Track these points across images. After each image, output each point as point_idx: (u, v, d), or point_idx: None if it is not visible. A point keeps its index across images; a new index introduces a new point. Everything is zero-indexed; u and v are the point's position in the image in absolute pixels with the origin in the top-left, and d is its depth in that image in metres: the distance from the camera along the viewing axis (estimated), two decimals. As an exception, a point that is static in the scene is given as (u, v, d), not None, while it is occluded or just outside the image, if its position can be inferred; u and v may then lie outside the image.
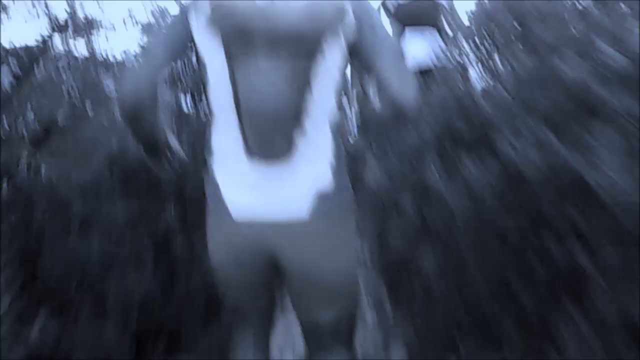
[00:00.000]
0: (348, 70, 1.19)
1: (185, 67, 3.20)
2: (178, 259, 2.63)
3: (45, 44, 3.74)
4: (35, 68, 3.94)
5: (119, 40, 3.94)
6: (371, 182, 1.89)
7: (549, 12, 1.94)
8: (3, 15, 3.82)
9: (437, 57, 3.24)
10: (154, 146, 1.34)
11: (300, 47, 1.04)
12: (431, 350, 1.79)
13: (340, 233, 1.17)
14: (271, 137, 1.09)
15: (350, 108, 2.89)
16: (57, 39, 3.73)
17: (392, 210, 1.81)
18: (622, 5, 1.62)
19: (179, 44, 1.17)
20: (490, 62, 2.14)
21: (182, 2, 1.26)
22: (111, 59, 4.09)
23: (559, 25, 1.82)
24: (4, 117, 3.22)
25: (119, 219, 2.50)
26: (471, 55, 2.32)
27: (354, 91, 2.88)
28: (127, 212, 2.59)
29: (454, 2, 3.40)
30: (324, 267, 1.17)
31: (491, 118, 1.56)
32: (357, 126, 2.78)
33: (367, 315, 2.21)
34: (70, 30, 3.60)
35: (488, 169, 1.48)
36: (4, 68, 3.97)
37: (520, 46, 2.02)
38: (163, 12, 3.67)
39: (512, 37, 2.10)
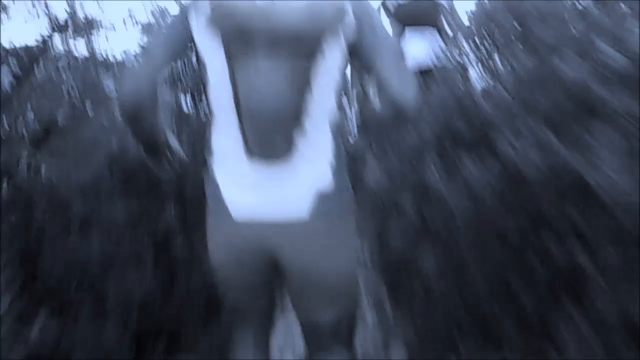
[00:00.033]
0: (348, 70, 1.19)
1: (185, 67, 3.19)
2: (178, 259, 2.63)
3: (45, 44, 3.73)
4: (35, 68, 3.93)
5: (119, 40, 3.95)
6: (371, 182, 1.89)
7: (548, 12, 1.94)
8: (3, 15, 3.81)
9: (437, 57, 3.24)
10: (154, 146, 1.34)
11: (300, 47, 1.04)
12: (431, 350, 1.79)
13: (340, 233, 1.17)
14: (271, 137, 1.09)
15: (350, 108, 2.89)
16: (57, 39, 3.73)
17: (391, 210, 1.81)
18: (622, 5, 1.62)
19: (179, 44, 1.17)
20: (490, 62, 2.15)
21: (182, 2, 1.26)
22: (111, 59, 4.09)
23: (559, 25, 1.82)
24: (3, 117, 3.21)
25: (118, 218, 2.50)
26: (471, 55, 2.32)
27: (354, 91, 2.87)
28: (127, 212, 2.59)
29: (454, 2, 3.40)
30: (324, 267, 1.17)
31: (491, 118, 1.56)
32: (357, 126, 2.78)
33: (367, 315, 2.21)
34: (70, 30, 3.60)
35: (488, 169, 1.48)
36: (4, 68, 3.97)
37: (520, 46, 2.02)
38: (163, 12, 3.67)
39: (512, 37, 2.10)
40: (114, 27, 3.74)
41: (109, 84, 4.26)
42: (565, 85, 1.53)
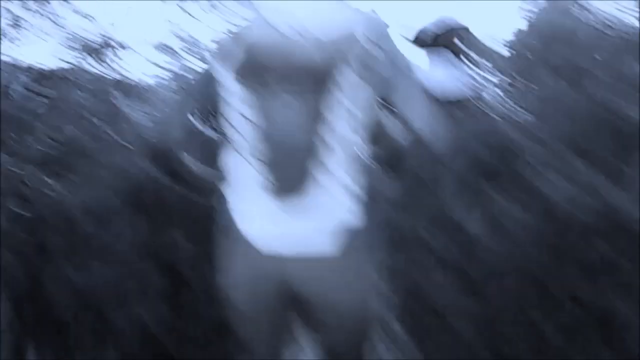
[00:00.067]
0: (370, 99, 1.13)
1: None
2: (187, 289, 2.53)
3: (62, 63, 3.71)
4: (51, 86, 3.92)
5: (137, 61, 3.92)
6: (392, 215, 1.78)
7: (575, 32, 1.85)
8: (20, 32, 3.81)
9: (464, 84, 3.13)
10: (175, 172, 1.35)
11: (314, 80, 1.05)
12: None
13: (363, 268, 1.15)
14: (289, 170, 1.09)
15: (372, 139, 2.78)
16: (75, 58, 3.71)
17: (414, 245, 1.69)
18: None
19: (210, 89, 1.19)
20: (518, 88, 2.04)
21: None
22: (129, 79, 4.06)
23: (588, 47, 1.72)
24: (14, 134, 3.18)
25: (126, 243, 2.41)
26: (498, 81, 2.22)
27: (377, 121, 2.75)
28: (135, 236, 2.50)
29: (478, 25, 3.29)
30: (346, 303, 1.15)
31: (521, 149, 1.44)
32: (379, 157, 2.66)
33: (386, 353, 2.07)
34: (88, 49, 3.57)
35: (519, 204, 1.36)
36: (20, 84, 3.97)
37: (549, 70, 1.93)
38: (184, 34, 3.66)
39: (542, 62, 2.00)
40: (131, 47, 3.70)
41: (125, 104, 4.24)
42: (597, 111, 1.42)
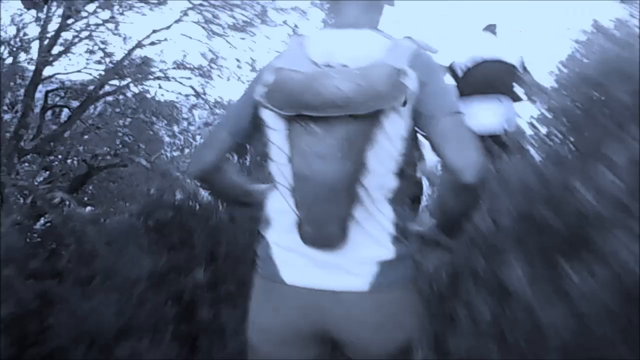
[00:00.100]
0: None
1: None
2: (201, 327, 2.36)
3: (98, 83, 3.72)
4: (86, 108, 3.93)
5: (171, 84, 3.93)
6: (432, 270, 1.58)
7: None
8: (64, 54, 3.85)
9: (506, 120, 2.93)
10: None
11: (353, 116, 1.03)
12: None
13: (399, 305, 1.12)
14: (324, 206, 1.06)
15: (408, 174, 2.59)
16: (110, 80, 3.71)
17: (459, 306, 1.47)
18: None
19: (246, 121, 1.19)
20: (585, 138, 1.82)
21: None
22: (163, 102, 4.05)
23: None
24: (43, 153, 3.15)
25: (142, 274, 2.28)
26: (555, 129, 2.01)
27: (414, 156, 2.55)
28: (153, 267, 2.37)
29: (531, 64, 3.09)
30: (381, 341, 1.11)
31: (594, 210, 1.23)
32: (414, 194, 2.47)
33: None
34: (123, 71, 3.58)
35: (591, 276, 1.14)
36: (55, 102, 4.01)
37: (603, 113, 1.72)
38: (215, 56, 3.65)
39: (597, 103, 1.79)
40: (166, 70, 3.69)
41: (158, 126, 4.24)
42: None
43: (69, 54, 3.73)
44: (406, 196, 1.13)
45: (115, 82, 3.75)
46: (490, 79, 3.06)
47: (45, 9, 3.41)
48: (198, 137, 4.29)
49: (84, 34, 3.61)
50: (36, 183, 3.20)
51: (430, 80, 1.07)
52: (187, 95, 3.90)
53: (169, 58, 3.68)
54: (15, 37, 3.47)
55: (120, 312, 2.09)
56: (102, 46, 3.65)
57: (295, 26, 3.98)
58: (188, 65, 3.72)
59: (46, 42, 3.51)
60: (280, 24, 3.98)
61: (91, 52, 3.73)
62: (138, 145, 3.79)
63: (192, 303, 2.34)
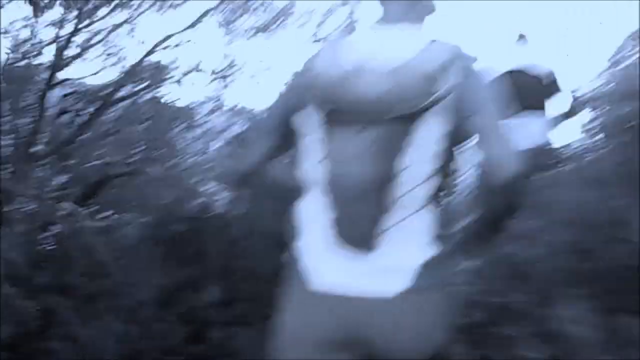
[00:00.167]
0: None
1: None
2: (214, 349, 2.22)
3: (114, 87, 3.64)
4: (102, 113, 3.85)
5: (188, 89, 3.84)
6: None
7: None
8: (83, 60, 3.80)
9: (544, 130, 2.74)
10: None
11: (387, 115, 1.03)
12: None
13: (438, 307, 1.11)
14: (358, 206, 1.07)
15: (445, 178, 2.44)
16: (126, 84, 3.64)
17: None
18: None
19: (282, 124, 1.18)
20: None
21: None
22: (179, 107, 3.96)
23: None
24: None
25: (151, 294, 2.14)
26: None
27: (452, 161, 2.37)
28: (163, 283, 2.24)
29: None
30: (419, 344, 1.10)
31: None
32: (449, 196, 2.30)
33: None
34: (139, 76, 3.49)
35: None
36: (76, 109, 3.94)
37: None
38: (232, 62, 3.56)
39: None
40: (182, 75, 3.60)
41: (175, 132, 4.14)
42: None
43: (84, 57, 3.66)
44: (442, 197, 1.12)
45: (130, 86, 3.67)
46: (524, 94, 2.83)
47: (61, 13, 3.34)
48: (216, 144, 4.19)
49: (99, 37, 3.53)
50: (47, 189, 3.10)
51: (466, 82, 1.06)
52: (204, 101, 3.82)
53: (186, 62, 3.61)
54: (28, 40, 3.41)
55: (125, 335, 1.96)
56: (118, 49, 3.57)
57: (318, 28, 3.86)
58: (206, 70, 3.63)
59: (61, 44, 3.44)
60: (300, 26, 3.87)
61: (107, 55, 3.66)
62: (153, 152, 3.69)
63: (204, 323, 2.21)
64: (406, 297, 1.08)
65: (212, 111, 3.97)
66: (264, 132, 1.24)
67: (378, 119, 1.05)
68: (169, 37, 3.51)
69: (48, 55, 3.48)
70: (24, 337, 1.90)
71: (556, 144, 2.61)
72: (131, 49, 3.69)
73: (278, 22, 3.82)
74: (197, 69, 3.57)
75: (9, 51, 3.49)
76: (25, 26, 3.45)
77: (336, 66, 1.09)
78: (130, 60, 3.63)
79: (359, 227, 1.09)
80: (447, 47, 1.08)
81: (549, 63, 3.03)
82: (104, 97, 3.70)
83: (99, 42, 3.61)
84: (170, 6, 3.49)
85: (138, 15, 3.48)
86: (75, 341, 1.86)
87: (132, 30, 3.56)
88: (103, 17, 3.43)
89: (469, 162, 1.24)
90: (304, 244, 1.16)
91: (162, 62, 3.54)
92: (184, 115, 3.92)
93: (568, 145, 2.64)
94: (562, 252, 1.40)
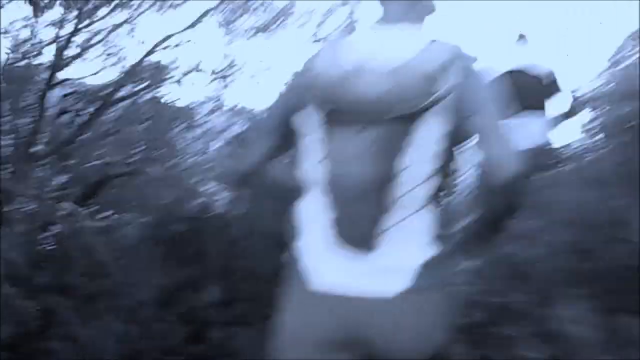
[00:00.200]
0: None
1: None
2: (214, 349, 2.22)
3: (114, 87, 3.63)
4: (102, 113, 3.84)
5: (188, 89, 3.83)
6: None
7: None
8: (83, 60, 3.79)
9: (545, 130, 2.74)
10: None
11: (386, 119, 1.03)
12: None
13: (438, 306, 1.11)
14: (358, 205, 1.07)
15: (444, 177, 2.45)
16: (126, 84, 3.63)
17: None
18: None
19: (282, 124, 1.18)
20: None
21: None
22: (179, 107, 3.95)
23: None
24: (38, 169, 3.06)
25: (151, 294, 2.15)
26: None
27: (451, 161, 2.38)
28: (163, 284, 2.24)
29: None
30: (419, 343, 1.10)
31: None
32: (448, 196, 2.31)
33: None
34: (139, 76, 3.48)
35: None
36: (76, 109, 3.94)
37: None
38: (232, 62, 3.55)
39: None
40: (182, 75, 3.59)
41: (174, 132, 4.14)
42: None
43: (84, 57, 3.66)
44: (442, 197, 1.12)
45: (130, 86, 3.67)
46: (523, 94, 2.84)
47: (61, 13, 3.34)
48: (216, 144, 4.19)
49: (99, 37, 3.54)
50: (47, 189, 3.10)
51: (466, 82, 1.06)
52: (204, 101, 3.82)
53: (186, 62, 3.61)
54: (28, 40, 3.41)
55: (125, 335, 1.97)
56: (118, 49, 3.57)
57: (318, 28, 3.85)
58: (206, 70, 3.64)
59: (61, 44, 3.44)
60: (300, 26, 3.87)
61: (107, 55, 3.66)
62: (153, 152, 3.69)
63: (204, 323, 2.22)
64: (406, 297, 1.08)
65: (212, 111, 3.97)
66: (264, 132, 1.24)
67: (378, 119, 1.05)
68: (169, 37, 3.51)
69: (48, 55, 3.48)
70: (24, 337, 1.90)
71: (556, 144, 2.63)
72: (131, 49, 3.70)
73: (278, 22, 3.82)
74: (197, 69, 3.57)
75: (9, 51, 3.48)
76: (25, 26, 3.44)
77: (336, 66, 1.09)
78: (130, 60, 3.64)
79: (359, 227, 1.09)
80: (447, 47, 1.07)
81: (549, 63, 3.04)
82: (104, 97, 3.70)
83: (99, 42, 3.61)
84: (170, 6, 3.49)
85: (138, 15, 3.47)
86: (75, 341, 1.87)
87: (132, 30, 3.56)
88: (103, 17, 3.43)
89: (469, 162, 1.24)
90: (304, 244, 1.16)
91: (162, 62, 3.54)
92: (184, 115, 3.93)
93: (568, 145, 2.68)
94: (562, 252, 1.41)
